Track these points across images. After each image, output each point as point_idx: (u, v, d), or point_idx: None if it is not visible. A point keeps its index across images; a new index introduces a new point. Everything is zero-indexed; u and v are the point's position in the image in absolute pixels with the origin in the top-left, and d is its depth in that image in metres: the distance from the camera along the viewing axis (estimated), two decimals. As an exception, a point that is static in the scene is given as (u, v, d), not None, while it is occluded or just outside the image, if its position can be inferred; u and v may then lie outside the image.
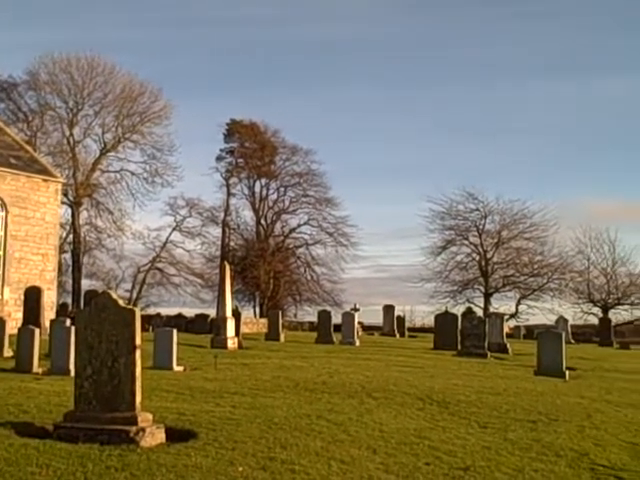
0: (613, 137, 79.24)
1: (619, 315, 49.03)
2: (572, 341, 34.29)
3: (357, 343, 25.91)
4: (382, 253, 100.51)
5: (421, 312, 50.66)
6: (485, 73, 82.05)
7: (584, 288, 50.16)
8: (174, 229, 50.17)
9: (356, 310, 33.90)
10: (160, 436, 7.22)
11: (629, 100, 76.69)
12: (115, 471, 6.05)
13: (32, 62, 45.07)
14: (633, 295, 49.44)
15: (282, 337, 27.95)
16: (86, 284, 46.44)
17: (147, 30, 77.95)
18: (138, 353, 7.34)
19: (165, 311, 42.13)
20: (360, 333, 31.65)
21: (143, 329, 10.74)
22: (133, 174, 47.72)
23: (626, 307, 49.85)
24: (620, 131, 78.48)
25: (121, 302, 7.51)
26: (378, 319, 38.31)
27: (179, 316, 37.13)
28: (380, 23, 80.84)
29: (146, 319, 31.26)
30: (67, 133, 45.55)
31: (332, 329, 27.29)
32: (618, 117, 77.51)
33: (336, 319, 28.95)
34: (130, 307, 7.60)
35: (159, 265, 50.15)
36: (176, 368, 14.82)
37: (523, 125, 79.85)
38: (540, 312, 49.44)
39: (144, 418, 7.24)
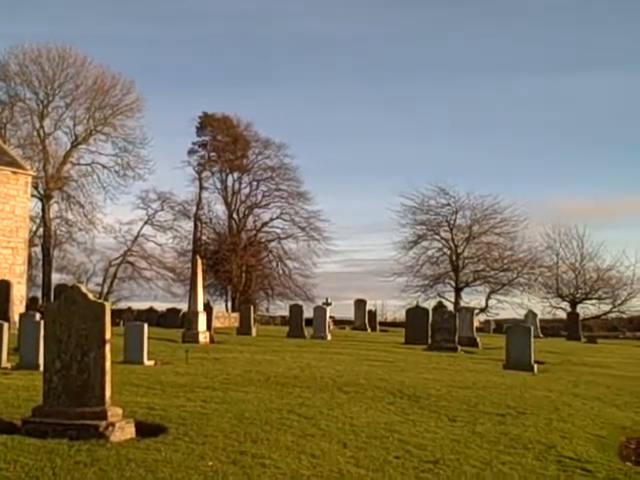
0: (583, 134, 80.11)
1: (587, 309, 49.71)
2: (541, 335, 34.66)
3: (328, 337, 26.02)
4: (354, 247, 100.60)
5: (392, 306, 50.66)
6: (469, 70, 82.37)
7: (553, 283, 50.76)
8: (146, 223, 49.67)
9: (328, 304, 33.92)
10: (130, 431, 7.20)
11: (611, 97, 77.50)
12: (84, 466, 6.01)
13: (2, 53, 44.40)
14: (600, 290, 50.06)
15: (254, 331, 27.93)
16: (56, 278, 45.85)
17: (119, 23, 77.20)
18: (108, 347, 7.30)
19: (136, 305, 41.86)
20: (331, 327, 31.71)
21: (114, 323, 10.68)
22: (104, 167, 47.11)
23: (594, 302, 50.54)
24: (590, 128, 79.33)
25: (91, 296, 7.46)
26: (350, 313, 38.53)
27: (150, 310, 36.87)
28: (359, 19, 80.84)
29: (117, 313, 31.00)
30: (37, 125, 44.80)
31: (304, 323, 27.40)
32: (596, 115, 78.22)
33: (308, 313, 29.06)
34: (100, 301, 7.55)
35: (130, 259, 49.64)
36: (147, 362, 14.76)
37: (498, 122, 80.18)
38: (510, 306, 50.00)
39: (114, 413, 7.21)
